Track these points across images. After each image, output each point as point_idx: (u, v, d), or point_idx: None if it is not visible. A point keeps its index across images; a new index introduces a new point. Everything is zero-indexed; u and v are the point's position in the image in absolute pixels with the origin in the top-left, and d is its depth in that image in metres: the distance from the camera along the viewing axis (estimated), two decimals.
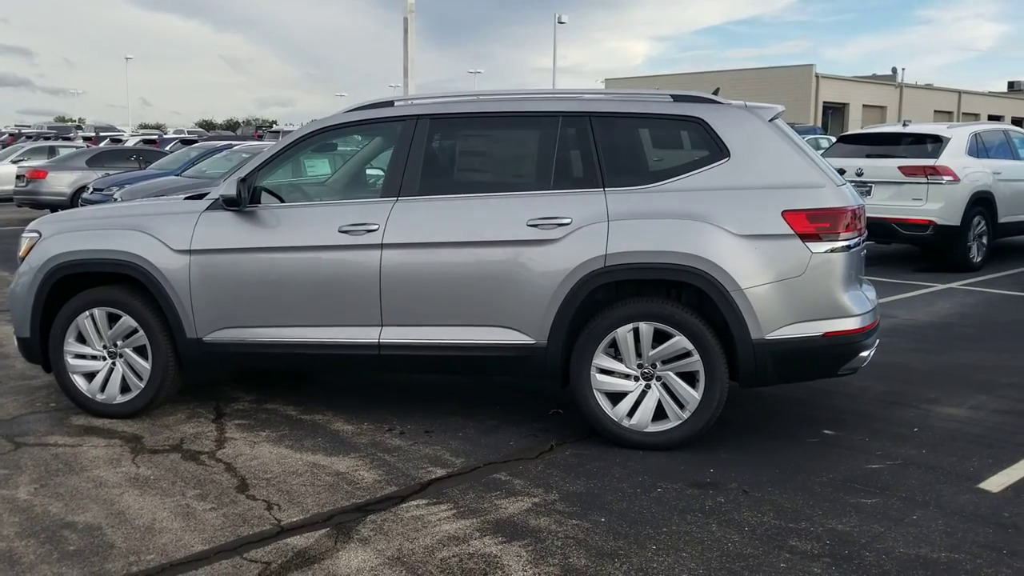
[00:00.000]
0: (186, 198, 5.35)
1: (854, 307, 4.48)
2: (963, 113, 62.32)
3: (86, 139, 32.55)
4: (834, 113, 55.05)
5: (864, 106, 56.55)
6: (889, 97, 58.75)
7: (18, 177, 17.90)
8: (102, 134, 35.62)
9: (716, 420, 4.53)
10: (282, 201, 5.11)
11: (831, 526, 3.70)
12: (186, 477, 4.24)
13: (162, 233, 4.95)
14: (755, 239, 4.39)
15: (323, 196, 5.78)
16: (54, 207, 15.66)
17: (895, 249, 12.39)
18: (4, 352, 6.67)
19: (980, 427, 4.97)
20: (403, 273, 4.69)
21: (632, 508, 3.88)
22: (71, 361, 5.12)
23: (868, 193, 10.79)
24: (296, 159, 6.48)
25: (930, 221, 10.53)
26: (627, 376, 4.56)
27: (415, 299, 4.70)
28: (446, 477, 4.25)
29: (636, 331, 4.49)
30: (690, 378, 4.49)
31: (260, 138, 31.49)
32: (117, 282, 5.10)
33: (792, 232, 4.38)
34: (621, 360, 4.55)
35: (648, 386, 4.55)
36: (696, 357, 4.44)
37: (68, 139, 31.97)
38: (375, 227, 4.72)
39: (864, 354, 4.57)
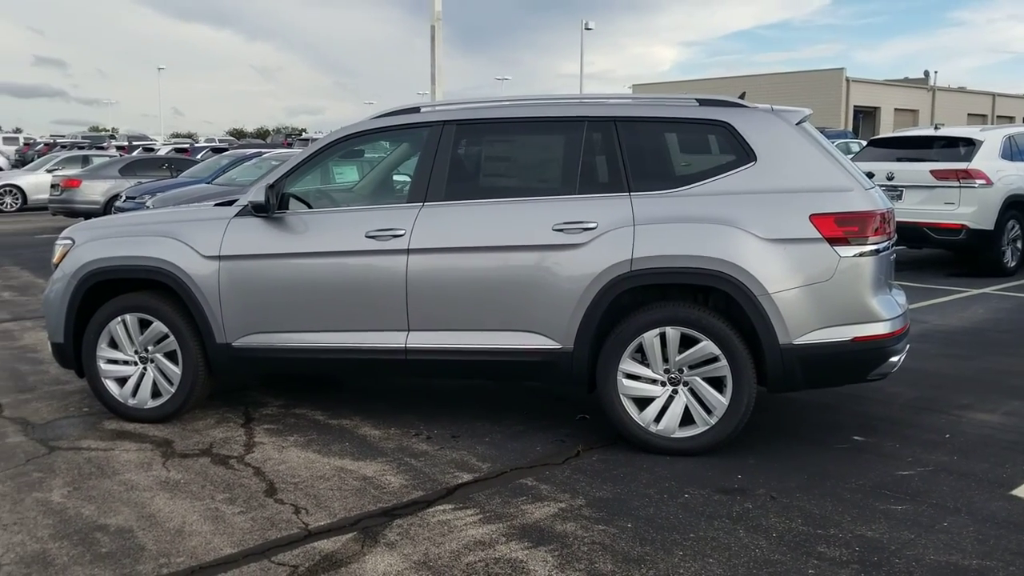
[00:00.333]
0: (216, 205, 5.41)
1: (883, 312, 4.44)
2: (998, 116, 61.49)
3: (119, 148, 33.04)
4: (865, 117, 54.55)
5: (896, 110, 56.01)
6: (921, 100, 58.12)
7: (53, 186, 18.24)
8: (135, 143, 36.11)
9: (744, 426, 4.50)
10: (310, 207, 5.15)
11: (860, 533, 3.66)
12: (215, 481, 4.29)
13: (192, 239, 5.01)
14: (782, 243, 4.36)
15: (350, 202, 5.83)
16: (88, 215, 15.90)
17: (927, 254, 12.24)
18: (39, 358, 6.78)
19: (1014, 433, 4.90)
20: (429, 278, 4.71)
21: (659, 514, 3.86)
22: (103, 366, 5.19)
23: (899, 197, 10.68)
24: (324, 165, 6.53)
25: (963, 225, 10.39)
26: (654, 381, 4.54)
27: (441, 304, 4.71)
28: (472, 482, 4.26)
29: (663, 336, 4.47)
30: (718, 383, 4.47)
31: (290, 146, 31.78)
32: (148, 288, 5.17)
33: (820, 236, 4.35)
34: (648, 365, 4.53)
35: (675, 391, 4.53)
36: (723, 362, 4.41)
37: (102, 148, 32.48)
38: (401, 232, 4.74)
39: (894, 359, 4.52)
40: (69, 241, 5.35)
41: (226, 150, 22.19)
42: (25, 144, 44.27)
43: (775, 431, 4.91)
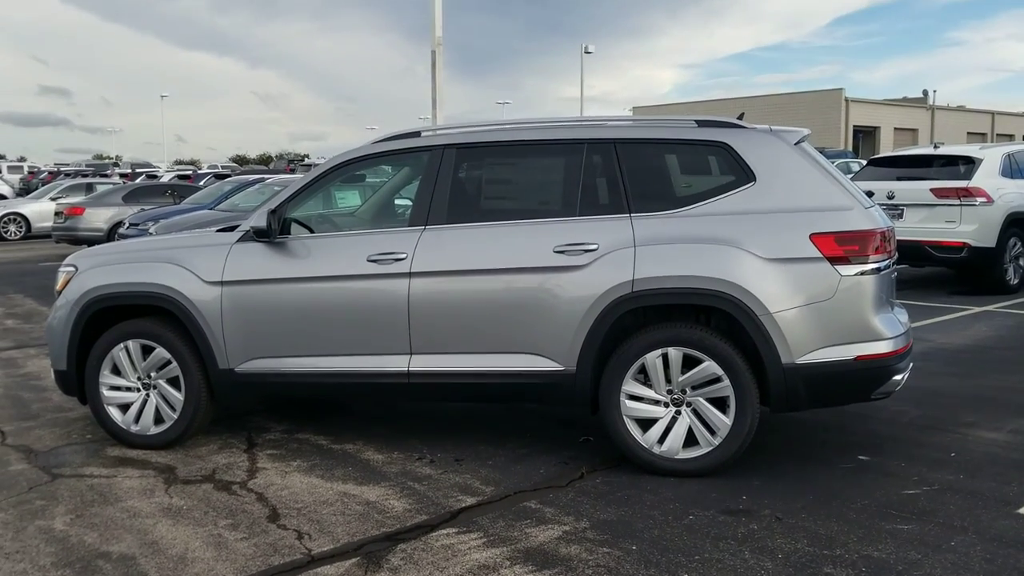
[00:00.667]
0: (218, 230, 5.43)
1: (886, 330, 4.44)
2: (997, 134, 61.68)
3: (122, 176, 33.19)
4: (865, 137, 54.72)
5: (895, 129, 56.19)
6: (921, 120, 58.32)
7: (57, 214, 18.33)
8: (138, 171, 36.29)
9: (748, 446, 4.49)
10: (312, 232, 5.17)
11: (867, 553, 3.64)
12: (218, 507, 4.27)
13: (194, 265, 5.03)
14: (783, 263, 4.36)
15: (352, 226, 5.85)
16: (91, 242, 15.95)
17: (928, 272, 12.23)
18: (42, 385, 6.78)
19: (1020, 451, 4.87)
20: (431, 301, 4.72)
21: (663, 536, 3.84)
22: (106, 393, 5.19)
23: (900, 216, 10.69)
24: (326, 190, 6.56)
25: (964, 243, 10.39)
26: (657, 402, 4.54)
27: (443, 327, 4.72)
28: (476, 505, 4.24)
29: (665, 356, 4.47)
30: (721, 404, 4.46)
31: (293, 171, 31.92)
32: (151, 314, 5.18)
33: (820, 255, 4.35)
34: (650, 386, 4.53)
35: (678, 412, 4.52)
36: (726, 382, 4.41)
37: (105, 176, 32.63)
38: (403, 256, 4.76)
39: (897, 377, 4.51)
40: (72, 268, 5.36)
41: (229, 176, 22.30)
42: (30, 173, 44.50)
43: (779, 451, 4.89)
